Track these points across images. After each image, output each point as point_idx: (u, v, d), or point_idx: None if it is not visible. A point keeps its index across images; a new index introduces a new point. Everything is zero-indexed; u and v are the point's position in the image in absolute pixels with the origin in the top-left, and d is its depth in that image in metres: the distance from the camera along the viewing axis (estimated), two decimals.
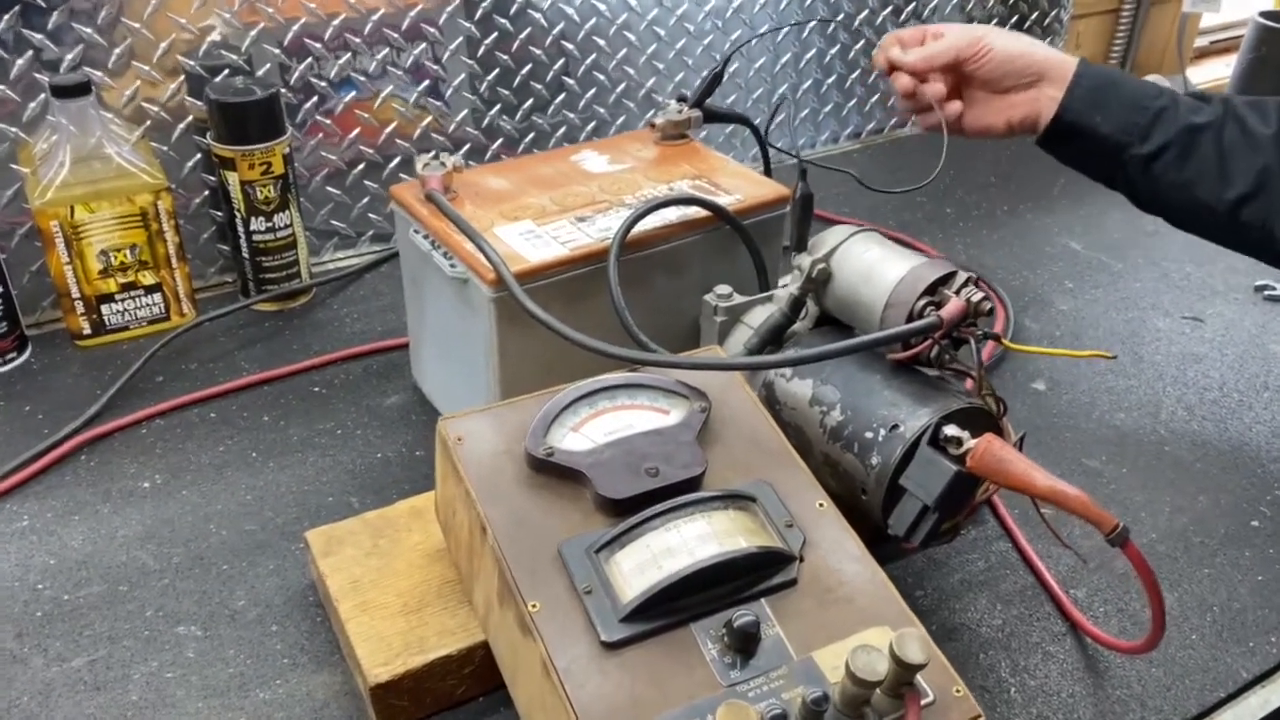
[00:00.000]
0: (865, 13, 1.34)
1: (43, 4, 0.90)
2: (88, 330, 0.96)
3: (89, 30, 0.93)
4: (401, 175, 1.12)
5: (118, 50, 0.95)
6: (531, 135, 1.19)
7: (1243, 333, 1.02)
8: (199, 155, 1.02)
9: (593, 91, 1.21)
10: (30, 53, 0.91)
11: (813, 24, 1.29)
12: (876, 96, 1.43)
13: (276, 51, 1.02)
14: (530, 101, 1.18)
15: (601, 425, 0.62)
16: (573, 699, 0.51)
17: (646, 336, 0.70)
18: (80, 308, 0.95)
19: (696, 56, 1.24)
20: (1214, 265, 1.14)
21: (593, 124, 1.22)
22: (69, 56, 0.93)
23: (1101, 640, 0.67)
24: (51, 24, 0.91)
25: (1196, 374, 0.96)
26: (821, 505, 0.61)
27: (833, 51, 1.37)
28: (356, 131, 1.09)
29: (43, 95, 0.92)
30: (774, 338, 0.72)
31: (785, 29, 1.28)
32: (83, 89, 0.89)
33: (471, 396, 0.79)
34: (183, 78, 0.98)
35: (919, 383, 0.66)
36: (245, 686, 0.64)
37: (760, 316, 0.75)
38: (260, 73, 1.00)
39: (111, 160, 0.92)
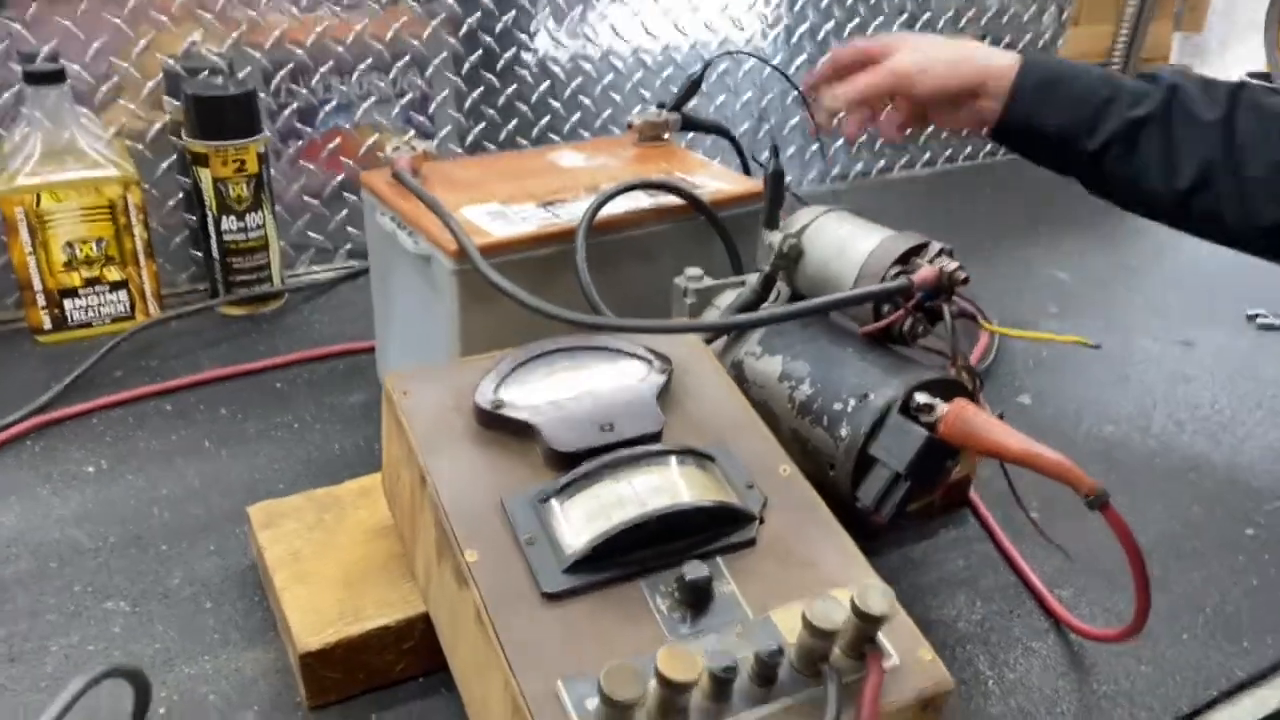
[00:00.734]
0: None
1: None
2: (49, 325, 0.94)
3: (68, 22, 0.93)
4: None
5: (95, 45, 0.95)
6: None
7: (1234, 356, 1.00)
8: (174, 156, 1.01)
9: (577, 115, 1.21)
10: (7, 41, 0.91)
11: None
12: (864, 137, 1.43)
13: (257, 55, 1.02)
14: (515, 122, 1.17)
15: (558, 385, 0.59)
16: (507, 650, 0.47)
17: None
18: (42, 300, 0.93)
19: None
20: (1201, 294, 1.12)
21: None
22: (46, 48, 0.92)
23: (1085, 632, 0.64)
24: (30, 14, 0.92)
25: (1186, 393, 0.93)
26: (786, 470, 0.57)
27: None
28: (336, 142, 1.09)
29: (16, 86, 0.92)
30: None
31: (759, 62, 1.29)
32: (57, 76, 0.89)
33: None
34: (161, 76, 0.98)
35: (891, 356, 0.64)
36: (170, 661, 0.60)
37: (731, 299, 0.72)
38: (241, 75, 1.00)
39: (83, 153, 0.91)
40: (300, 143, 1.07)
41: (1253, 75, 1.57)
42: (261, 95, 1.00)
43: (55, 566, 0.68)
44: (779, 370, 0.66)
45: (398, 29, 1.08)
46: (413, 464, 0.56)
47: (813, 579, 0.52)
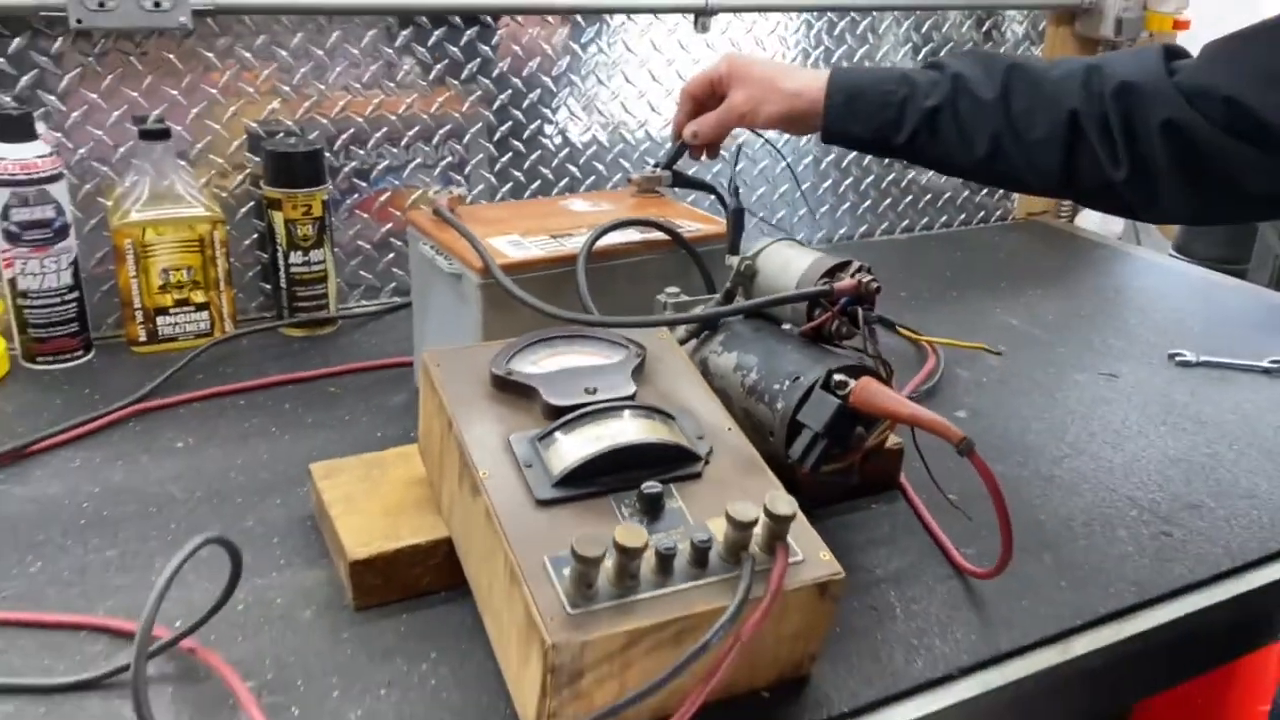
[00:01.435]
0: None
1: (139, 66, 1.12)
2: (143, 338, 1.12)
3: (174, 92, 1.14)
4: None
5: (194, 111, 1.16)
6: None
7: (1151, 387, 1.15)
8: (252, 203, 1.21)
9: (592, 179, 1.40)
10: (126, 106, 1.12)
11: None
12: (868, 202, 1.62)
13: (324, 122, 1.22)
14: (538, 183, 1.37)
15: (555, 360, 0.76)
16: (508, 538, 0.63)
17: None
18: (140, 317, 1.11)
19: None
20: (1134, 339, 1.27)
21: None
22: (155, 112, 1.13)
23: (972, 572, 0.79)
24: (145, 85, 1.13)
25: (1103, 412, 1.09)
26: (730, 429, 0.74)
27: (828, 159, 1.57)
28: (386, 196, 1.28)
29: (131, 142, 1.12)
30: (709, 324, 0.87)
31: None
32: (163, 134, 1.09)
33: None
34: (244, 137, 1.18)
35: (820, 350, 0.80)
36: (247, 577, 0.75)
37: (701, 310, 0.89)
38: (310, 137, 1.20)
39: (181, 197, 1.11)
40: (357, 196, 1.27)
41: None
42: (326, 155, 1.20)
43: (154, 511, 0.85)
44: (735, 363, 0.83)
45: (441, 104, 1.28)
46: (442, 415, 0.73)
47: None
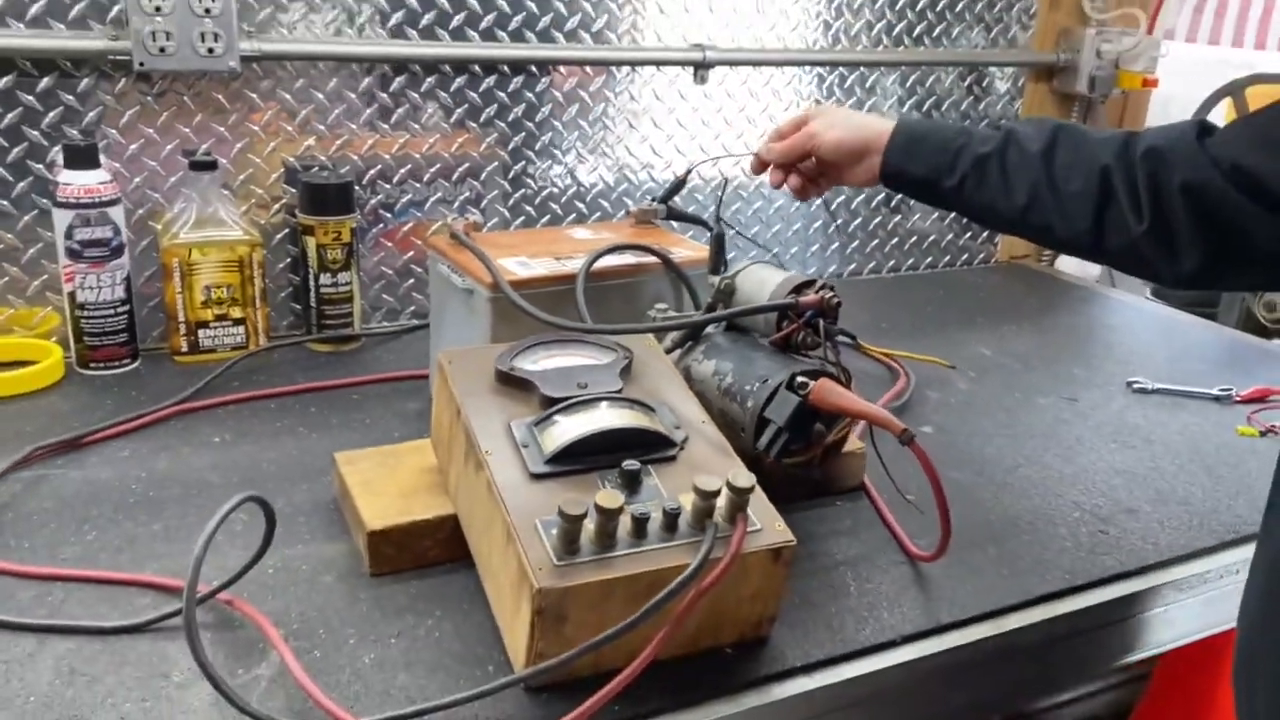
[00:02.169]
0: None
1: (191, 105, 1.24)
2: (185, 349, 1.24)
3: (221, 128, 1.27)
4: None
5: (238, 146, 1.28)
6: None
7: (1107, 410, 1.25)
8: (286, 231, 1.33)
9: (597, 214, 1.52)
10: (177, 141, 1.25)
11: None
12: (856, 243, 1.73)
13: (355, 158, 1.35)
14: (547, 218, 1.49)
15: (553, 360, 0.87)
16: (506, 504, 0.73)
17: None
18: (183, 329, 1.23)
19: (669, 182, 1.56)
20: (1096, 368, 1.37)
21: None
22: (204, 146, 1.25)
23: (918, 556, 0.88)
24: (195, 123, 1.25)
25: (1060, 430, 1.18)
26: (704, 421, 0.84)
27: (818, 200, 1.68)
28: (409, 227, 1.40)
29: (181, 172, 1.24)
30: (693, 335, 0.97)
31: (739, 155, 1.59)
32: (210, 166, 1.21)
33: None
34: (282, 170, 1.31)
35: (787, 357, 0.91)
36: (276, 547, 0.85)
37: None
38: (341, 171, 1.32)
39: (224, 222, 1.23)
40: (382, 226, 1.39)
41: None
42: (356, 188, 1.32)
43: (194, 493, 0.95)
44: (713, 368, 0.93)
45: (460, 144, 1.41)
46: (452, 405, 0.83)
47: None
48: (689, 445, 0.81)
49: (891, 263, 1.78)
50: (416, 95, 1.36)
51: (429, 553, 0.86)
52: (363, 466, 0.92)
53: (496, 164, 1.44)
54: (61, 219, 1.14)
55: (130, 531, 0.89)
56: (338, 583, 0.83)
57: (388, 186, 1.38)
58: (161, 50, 1.16)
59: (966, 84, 1.75)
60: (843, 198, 1.70)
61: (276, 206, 1.32)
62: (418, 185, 1.40)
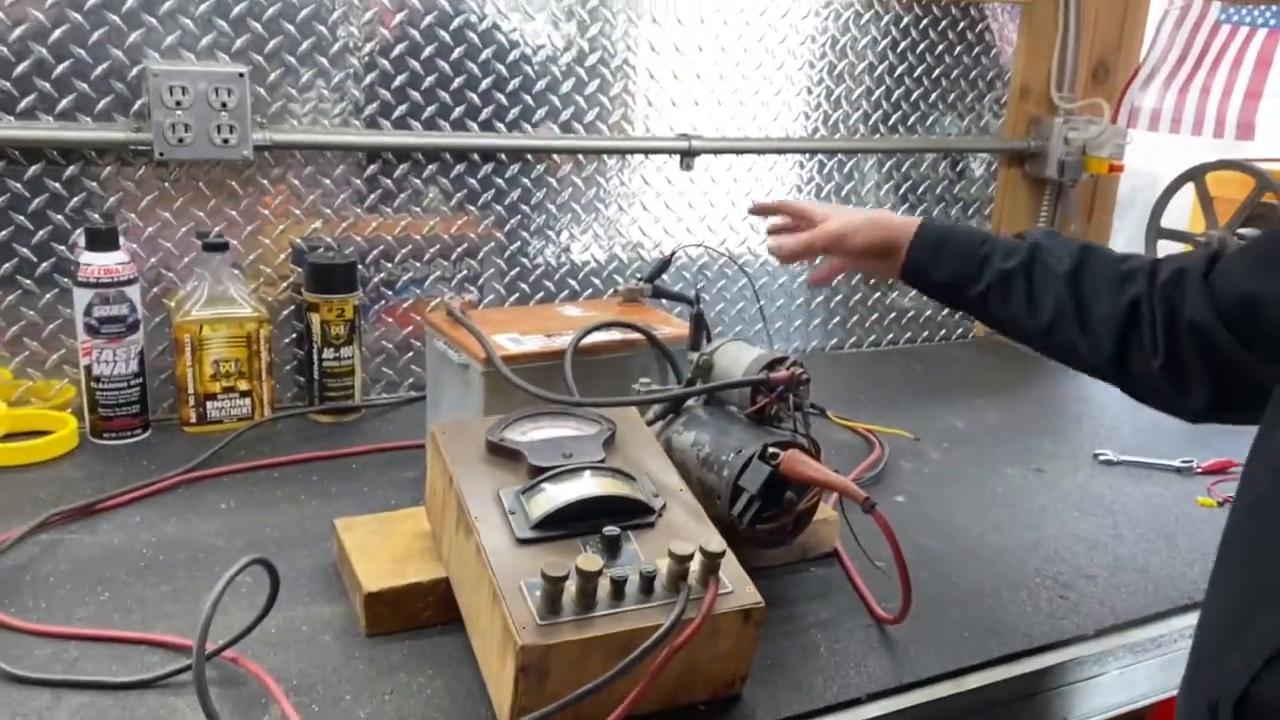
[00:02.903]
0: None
1: (205, 190, 1.32)
2: (194, 419, 1.30)
3: (233, 212, 1.34)
4: None
5: (249, 228, 1.36)
6: None
7: (1073, 480, 1.30)
8: (292, 307, 1.40)
9: (589, 291, 1.59)
10: (191, 224, 1.32)
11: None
12: (837, 318, 1.80)
13: (359, 239, 1.43)
14: (541, 295, 1.56)
15: (540, 432, 0.93)
16: (493, 568, 0.79)
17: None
18: (192, 401, 1.29)
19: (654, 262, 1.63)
20: (1064, 441, 1.43)
21: None
22: (216, 228, 1.33)
23: (882, 618, 0.94)
24: (209, 207, 1.33)
25: (1026, 499, 1.24)
26: (682, 490, 0.90)
27: (801, 277, 1.76)
28: (409, 304, 1.47)
29: (194, 253, 1.32)
30: (674, 408, 1.04)
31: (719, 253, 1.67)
32: (222, 247, 1.29)
33: None
34: (289, 250, 1.38)
35: (760, 429, 0.97)
36: (277, 608, 0.91)
37: None
38: (346, 252, 1.40)
39: (233, 299, 1.30)
40: (383, 302, 1.46)
41: None
42: (359, 267, 1.39)
43: (202, 557, 1.01)
44: (692, 440, 0.99)
45: (459, 226, 1.49)
46: (445, 473, 0.89)
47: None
48: (667, 512, 0.87)
49: (872, 338, 1.85)
50: (418, 181, 1.44)
51: (422, 614, 0.91)
52: (360, 532, 0.98)
53: (493, 244, 1.51)
54: (82, 297, 1.21)
55: (140, 593, 0.94)
56: (335, 642, 0.88)
57: (389, 265, 1.45)
58: (180, 141, 1.25)
59: (939, 169, 1.83)
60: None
61: (283, 285, 1.40)
62: (418, 264, 1.47)
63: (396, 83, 1.39)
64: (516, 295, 1.54)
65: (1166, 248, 1.73)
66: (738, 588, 0.81)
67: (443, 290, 1.48)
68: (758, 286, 1.72)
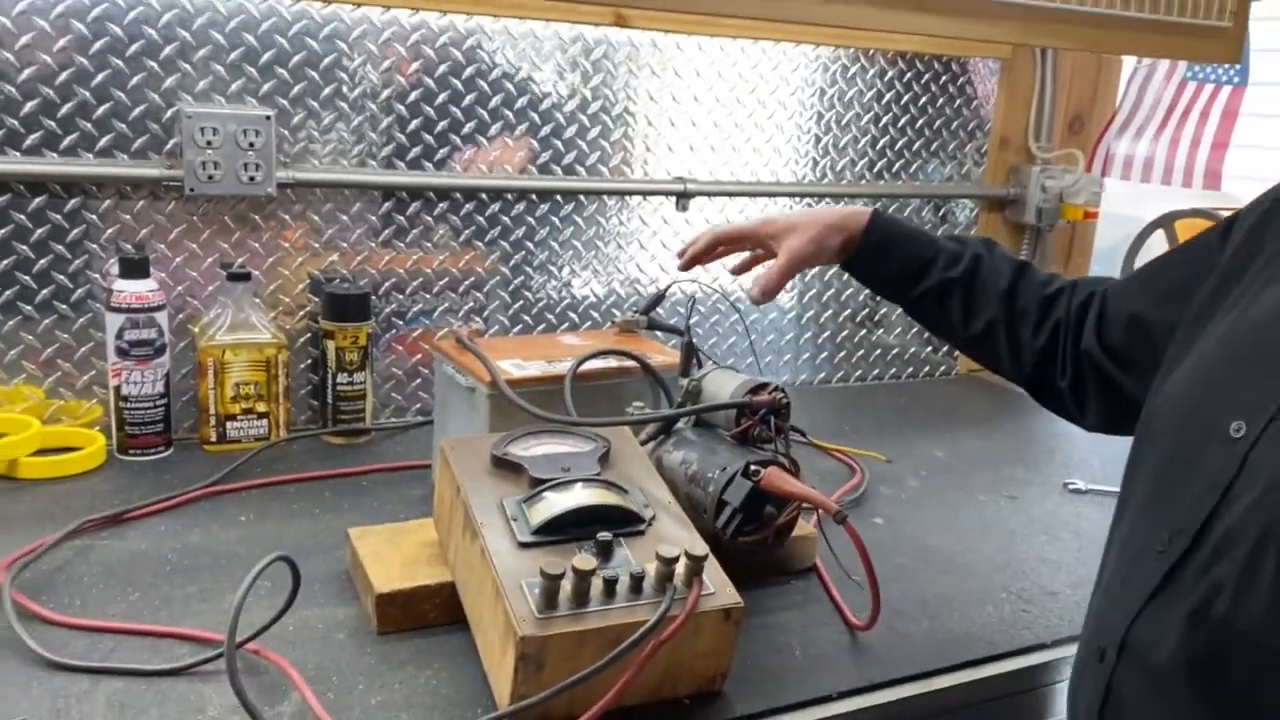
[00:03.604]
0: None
1: (230, 224, 1.42)
2: (214, 439, 1.38)
3: (256, 245, 1.43)
4: None
5: (270, 260, 1.45)
6: None
7: (1042, 507, 1.38)
8: (308, 335, 1.48)
9: (589, 323, 1.68)
10: (217, 255, 1.41)
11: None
12: (825, 354, 1.89)
13: (372, 272, 1.51)
14: (542, 326, 1.64)
15: (541, 448, 1.01)
16: (496, 569, 0.86)
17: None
18: (213, 422, 1.37)
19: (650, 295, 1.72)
20: (1038, 470, 1.51)
21: None
22: (239, 259, 1.42)
23: (855, 625, 1.01)
24: (233, 240, 1.42)
25: (998, 524, 1.31)
26: (670, 502, 0.98)
27: (790, 314, 1.84)
28: (418, 333, 1.56)
29: (219, 282, 1.41)
30: (665, 429, 1.12)
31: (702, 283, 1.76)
32: (245, 277, 1.38)
33: None
34: (308, 280, 1.47)
35: (744, 449, 1.05)
36: (295, 609, 0.98)
37: None
38: (360, 284, 1.49)
39: (254, 326, 1.38)
40: (394, 331, 1.54)
41: None
42: (372, 298, 1.48)
43: (224, 563, 1.08)
44: (681, 458, 1.07)
45: (467, 260, 1.57)
46: (453, 484, 0.97)
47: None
48: (656, 522, 0.94)
49: (859, 372, 1.94)
50: (429, 218, 1.53)
51: (429, 615, 0.98)
52: (372, 540, 1.05)
53: (499, 278, 1.60)
54: (113, 322, 1.29)
55: (168, 593, 1.01)
56: (349, 639, 0.95)
57: (400, 297, 1.54)
58: (210, 178, 1.34)
59: (922, 214, 1.93)
60: (812, 312, 1.86)
61: (301, 313, 1.48)
62: (428, 296, 1.56)
63: (411, 126, 1.49)
64: (520, 327, 1.63)
65: None
66: (719, 589, 0.88)
67: (450, 321, 1.57)
68: (749, 322, 1.81)
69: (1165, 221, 1.81)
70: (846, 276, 1.14)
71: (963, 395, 1.91)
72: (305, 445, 1.43)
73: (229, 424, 1.38)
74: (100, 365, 1.36)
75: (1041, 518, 1.35)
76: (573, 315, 1.67)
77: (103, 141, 1.32)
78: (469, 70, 1.51)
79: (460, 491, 0.95)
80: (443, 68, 1.49)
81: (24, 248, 1.32)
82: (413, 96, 1.48)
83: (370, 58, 1.45)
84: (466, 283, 1.58)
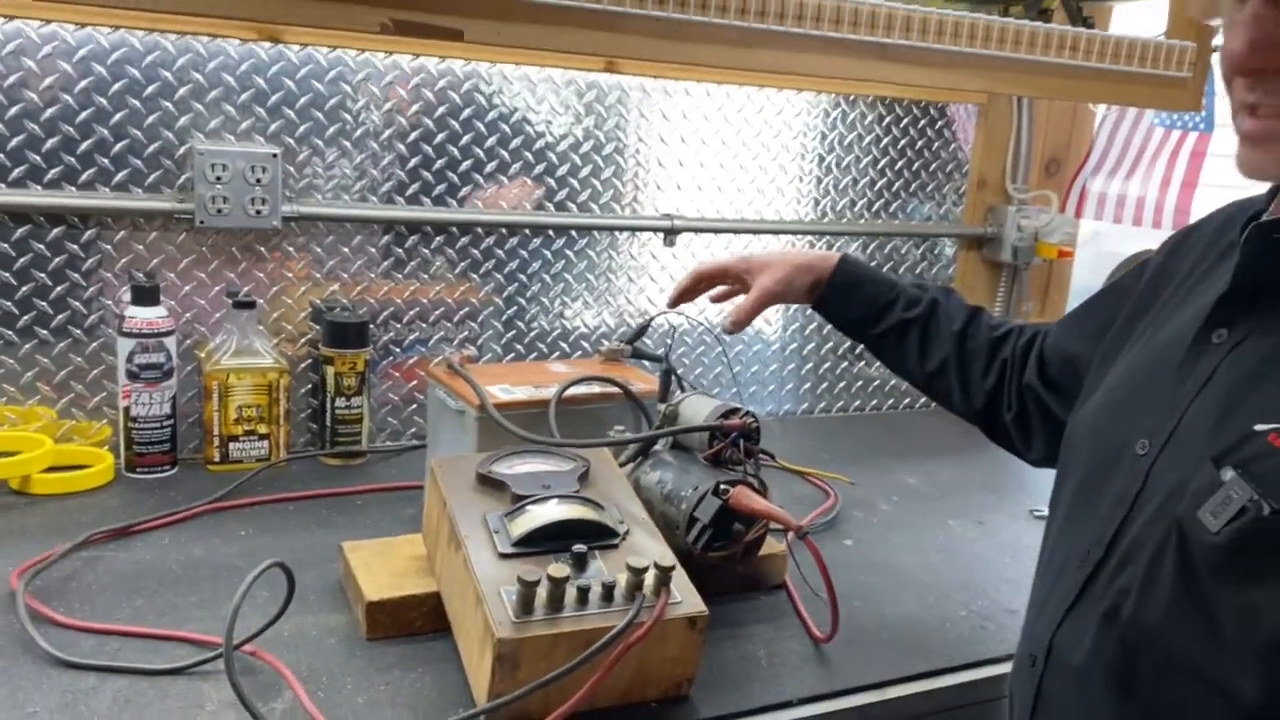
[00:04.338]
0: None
1: (237, 254, 1.49)
2: (217, 459, 1.45)
3: (261, 274, 1.51)
4: None
5: (274, 289, 1.52)
6: None
7: (1008, 532, 1.44)
8: (309, 360, 1.55)
9: (579, 353, 1.75)
10: (224, 284, 1.49)
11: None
12: (808, 384, 1.95)
13: (371, 301, 1.59)
14: (534, 355, 1.71)
15: (524, 467, 1.07)
16: (476, 576, 0.93)
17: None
18: (217, 442, 1.44)
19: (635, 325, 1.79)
20: (1006, 497, 1.57)
21: None
22: (245, 288, 1.49)
23: (816, 637, 1.07)
24: (240, 270, 1.50)
25: (964, 547, 1.37)
26: (644, 519, 1.04)
27: (773, 347, 1.91)
28: (414, 360, 1.63)
29: (225, 309, 1.48)
30: (644, 451, 1.18)
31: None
32: (250, 305, 1.45)
33: None
34: (309, 309, 1.54)
35: (717, 469, 1.11)
36: (288, 616, 1.04)
37: None
38: (359, 312, 1.56)
39: (258, 352, 1.46)
40: (391, 359, 1.61)
41: None
42: (371, 326, 1.55)
43: (225, 574, 1.14)
44: (657, 478, 1.14)
45: (462, 291, 1.65)
46: (440, 500, 1.04)
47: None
48: (629, 536, 1.01)
49: (841, 403, 2.00)
50: (427, 251, 1.61)
51: (415, 623, 1.04)
52: (364, 553, 1.12)
53: (493, 309, 1.68)
54: (125, 346, 1.36)
55: (171, 600, 1.07)
56: (340, 644, 1.02)
57: (398, 326, 1.61)
58: (219, 211, 1.42)
59: (905, 251, 2.00)
60: (795, 344, 1.93)
61: (302, 340, 1.55)
62: (424, 325, 1.63)
63: (411, 164, 1.57)
64: (512, 355, 1.70)
65: None
66: (686, 598, 0.94)
67: (445, 349, 1.64)
68: (733, 353, 1.88)
69: (1135, 260, 1.87)
70: None
71: (939, 426, 1.97)
72: (304, 466, 1.49)
73: (232, 444, 1.45)
74: (111, 387, 1.43)
75: (1007, 542, 1.40)
76: (563, 345, 1.74)
77: (119, 176, 1.40)
78: (466, 112, 1.59)
79: (447, 506, 1.01)
80: (441, 109, 1.57)
81: (42, 275, 1.39)
82: (412, 136, 1.56)
83: (373, 99, 1.53)
84: (461, 313, 1.65)
